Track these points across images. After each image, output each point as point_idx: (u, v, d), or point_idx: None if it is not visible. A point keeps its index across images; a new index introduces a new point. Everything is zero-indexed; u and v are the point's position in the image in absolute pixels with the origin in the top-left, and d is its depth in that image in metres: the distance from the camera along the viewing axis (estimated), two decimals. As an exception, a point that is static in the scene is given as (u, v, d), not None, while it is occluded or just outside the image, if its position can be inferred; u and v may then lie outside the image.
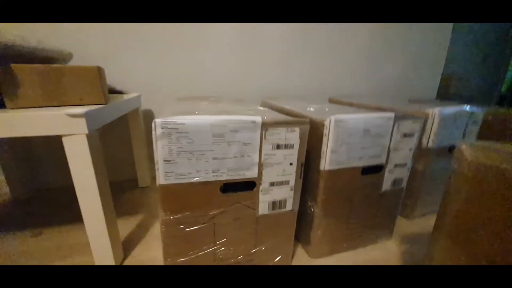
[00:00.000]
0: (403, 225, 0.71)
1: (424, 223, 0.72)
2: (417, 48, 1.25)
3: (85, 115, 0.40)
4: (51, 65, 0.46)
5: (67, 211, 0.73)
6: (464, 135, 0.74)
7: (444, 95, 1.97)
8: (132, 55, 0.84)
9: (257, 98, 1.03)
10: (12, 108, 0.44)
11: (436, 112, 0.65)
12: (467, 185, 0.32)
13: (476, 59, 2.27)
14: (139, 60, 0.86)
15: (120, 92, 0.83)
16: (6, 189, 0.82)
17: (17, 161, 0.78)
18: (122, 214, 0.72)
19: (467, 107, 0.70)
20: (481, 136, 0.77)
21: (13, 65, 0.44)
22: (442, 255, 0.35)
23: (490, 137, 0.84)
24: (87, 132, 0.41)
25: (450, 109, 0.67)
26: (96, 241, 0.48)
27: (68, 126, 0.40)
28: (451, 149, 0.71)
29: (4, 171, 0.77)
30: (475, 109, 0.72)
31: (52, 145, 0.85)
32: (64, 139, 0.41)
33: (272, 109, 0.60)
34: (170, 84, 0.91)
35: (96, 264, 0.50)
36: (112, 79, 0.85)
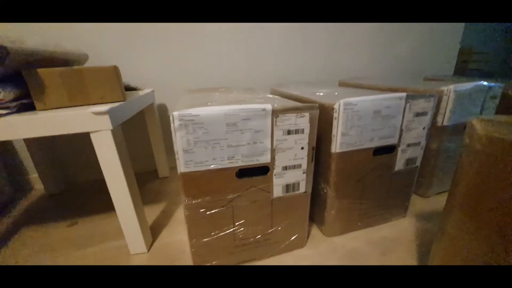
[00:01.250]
0: (418, 203, 0.72)
1: (440, 201, 0.73)
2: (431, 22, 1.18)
3: (109, 112, 0.43)
4: (73, 67, 0.49)
5: (97, 201, 0.79)
6: (481, 112, 0.72)
7: (463, 71, 1.87)
8: (143, 52, 0.87)
9: (266, 85, 1.03)
10: (42, 110, 0.48)
11: (450, 89, 0.63)
12: (478, 159, 0.32)
13: (496, 31, 2.11)
14: (149, 57, 0.88)
15: (135, 89, 0.86)
16: (40, 186, 0.90)
17: (47, 159, 0.85)
18: (147, 202, 0.77)
19: (485, 83, 0.68)
20: (500, 111, 0.75)
21: (39, 70, 0.47)
22: (454, 228, 0.36)
23: (509, 112, 0.81)
24: (111, 127, 0.44)
25: (466, 85, 0.65)
26: (127, 227, 0.52)
27: (94, 123, 0.44)
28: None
29: (36, 169, 0.84)
30: (494, 84, 0.69)
31: (77, 143, 0.91)
32: (92, 135, 0.44)
33: (281, 96, 0.61)
34: (181, 78, 0.94)
35: (129, 247, 0.55)
36: (126, 77, 0.88)
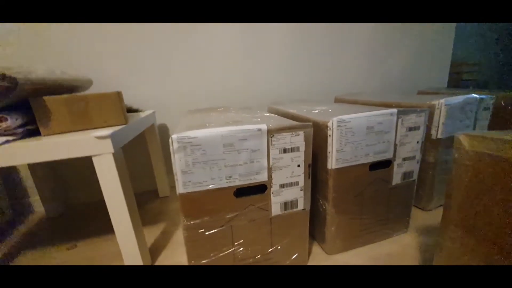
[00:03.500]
0: (419, 217, 0.71)
1: (441, 214, 0.72)
2: (422, 36, 1.23)
3: (111, 136, 0.45)
4: (77, 94, 0.52)
5: (97, 224, 0.79)
6: (475, 123, 0.73)
7: (457, 82, 1.91)
8: (143, 74, 0.91)
9: (264, 103, 1.06)
10: (46, 135, 0.50)
11: (442, 103, 0.65)
12: (467, 174, 0.33)
13: (487, 42, 2.18)
14: (150, 79, 0.92)
15: (136, 111, 0.89)
16: (41, 208, 0.90)
17: (49, 182, 0.86)
18: (146, 223, 0.77)
19: (476, 95, 0.70)
20: (493, 121, 0.76)
21: (45, 98, 0.49)
22: (451, 242, 0.36)
23: (503, 122, 0.82)
24: (113, 151, 0.46)
25: (457, 98, 0.67)
26: (126, 249, 0.52)
27: (97, 147, 0.45)
28: (462, 138, 0.71)
29: (38, 191, 0.85)
30: (485, 96, 0.71)
31: (78, 165, 0.93)
32: (94, 159, 0.46)
33: (278, 114, 0.63)
34: (181, 98, 0.97)
35: (127, 270, 0.54)
36: (128, 99, 0.91)
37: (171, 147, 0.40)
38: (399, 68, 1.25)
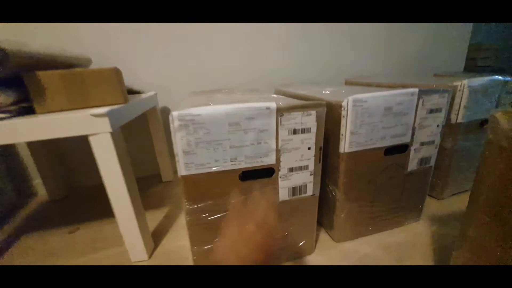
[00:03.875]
0: (432, 206, 0.68)
1: (455, 203, 0.69)
2: (440, 18, 1.15)
3: (108, 114, 0.42)
4: (73, 69, 0.48)
5: (100, 207, 0.77)
6: (497, 107, 0.68)
7: (473, 68, 1.82)
8: (146, 56, 0.86)
9: (271, 86, 1.01)
10: (41, 113, 0.47)
11: (464, 84, 0.60)
12: (503, 156, 0.29)
13: (506, 27, 2.06)
14: (152, 60, 0.87)
15: (138, 92, 0.86)
16: (43, 191, 0.90)
17: (51, 164, 0.84)
18: (149, 207, 0.76)
19: (499, 77, 0.64)
20: (517, 107, 0.71)
21: (39, 72, 0.46)
22: (477, 233, 0.33)
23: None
24: (110, 130, 0.43)
25: (480, 80, 0.62)
26: (127, 233, 0.51)
27: (93, 126, 0.42)
28: (483, 123, 0.66)
29: (40, 174, 0.84)
30: (509, 78, 0.65)
31: (80, 146, 0.91)
32: (90, 138, 0.43)
33: (286, 96, 0.59)
34: (184, 81, 0.93)
35: (130, 255, 0.53)
36: (129, 80, 0.88)
37: (171, 125, 0.37)
38: (413, 52, 1.17)
